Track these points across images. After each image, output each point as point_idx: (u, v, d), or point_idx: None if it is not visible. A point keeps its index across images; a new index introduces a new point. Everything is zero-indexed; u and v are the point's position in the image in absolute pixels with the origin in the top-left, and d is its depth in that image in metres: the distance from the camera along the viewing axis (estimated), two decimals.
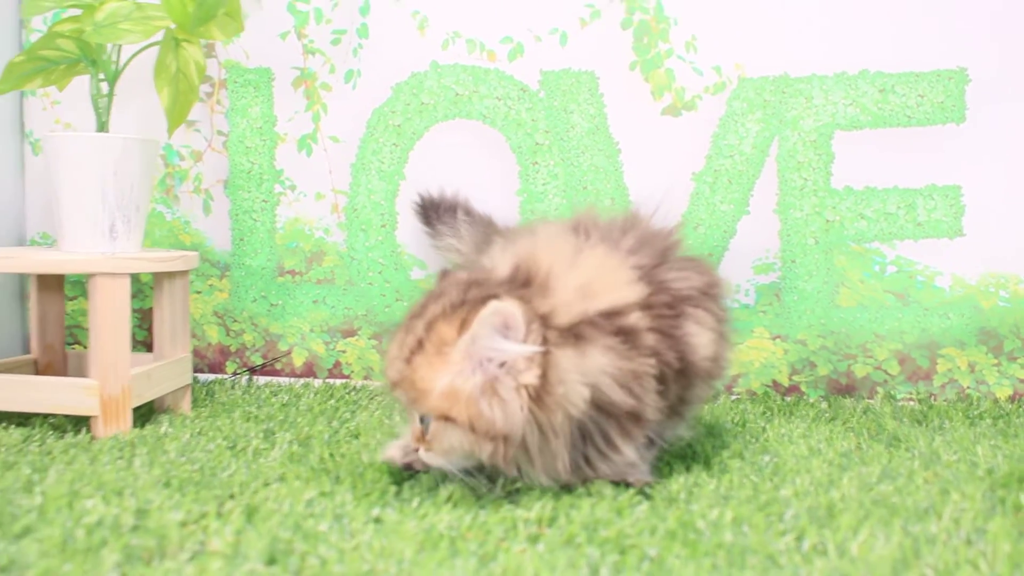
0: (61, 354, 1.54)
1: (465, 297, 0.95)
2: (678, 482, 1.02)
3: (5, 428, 1.29)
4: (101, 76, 1.40)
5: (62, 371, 1.54)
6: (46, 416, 1.37)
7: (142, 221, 1.40)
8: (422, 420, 0.95)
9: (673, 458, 1.12)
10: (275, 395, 1.54)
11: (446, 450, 0.94)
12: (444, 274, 1.05)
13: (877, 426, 1.29)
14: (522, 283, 0.97)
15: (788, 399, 1.49)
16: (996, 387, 1.47)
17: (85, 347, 1.68)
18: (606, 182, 1.55)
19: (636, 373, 0.94)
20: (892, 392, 1.49)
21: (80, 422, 1.35)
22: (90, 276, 1.29)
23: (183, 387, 1.46)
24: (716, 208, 1.53)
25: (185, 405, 1.47)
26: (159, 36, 1.36)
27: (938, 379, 1.49)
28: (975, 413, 1.38)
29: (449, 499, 0.96)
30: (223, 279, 1.66)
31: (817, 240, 1.51)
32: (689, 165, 1.54)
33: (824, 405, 1.44)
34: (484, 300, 0.92)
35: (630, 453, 0.98)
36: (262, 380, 1.65)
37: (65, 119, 1.66)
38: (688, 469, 1.08)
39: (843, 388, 1.51)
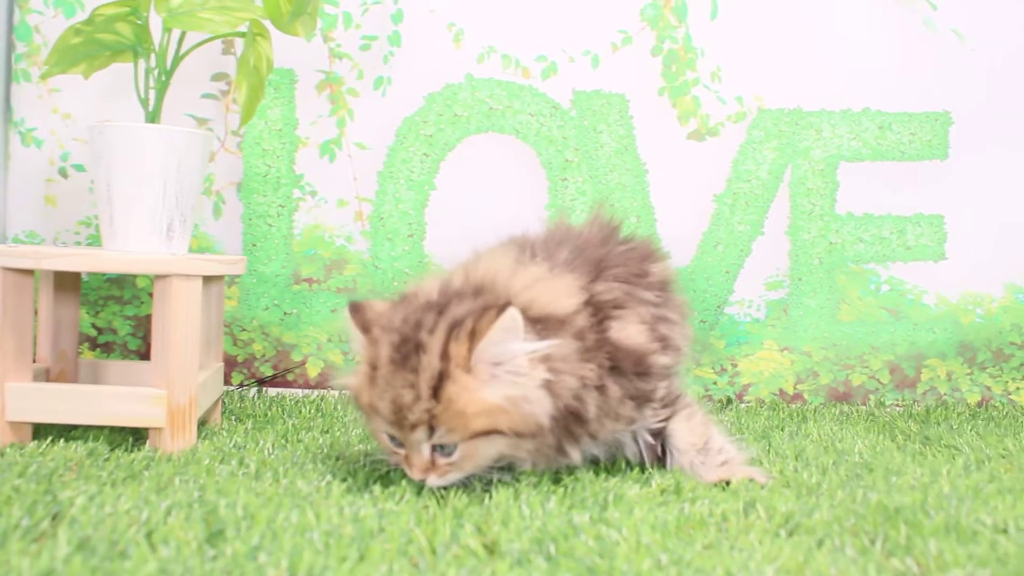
0: (74, 362, 1.42)
1: (453, 317, 0.98)
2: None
3: (53, 443, 1.19)
4: (152, 64, 1.32)
5: (75, 381, 1.42)
6: (87, 428, 1.28)
7: (192, 222, 1.33)
8: (442, 449, 0.97)
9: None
10: (297, 405, 1.50)
11: (479, 465, 0.99)
12: (356, 307, 1.06)
13: (895, 428, 1.44)
14: (478, 293, 1.02)
15: (793, 406, 1.62)
16: (968, 394, 1.66)
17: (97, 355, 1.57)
18: (632, 200, 1.63)
19: (581, 377, 1.01)
20: (882, 399, 1.65)
21: (131, 434, 1.27)
22: (160, 278, 1.22)
23: (218, 398, 1.40)
24: (734, 228, 1.64)
25: (217, 416, 1.40)
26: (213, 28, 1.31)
27: (921, 387, 1.66)
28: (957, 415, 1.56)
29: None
30: (232, 286, 1.59)
31: (821, 260, 1.65)
32: (711, 187, 1.64)
33: (835, 411, 1.59)
34: (480, 311, 0.96)
35: (576, 457, 1.05)
36: (272, 391, 1.60)
37: (64, 108, 1.54)
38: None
39: (840, 396, 1.66)
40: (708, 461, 1.12)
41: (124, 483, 1.02)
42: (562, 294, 1.04)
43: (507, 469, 1.04)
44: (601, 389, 1.04)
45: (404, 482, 1.01)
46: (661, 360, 1.11)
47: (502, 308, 0.95)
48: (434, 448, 0.97)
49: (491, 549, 0.83)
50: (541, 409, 0.96)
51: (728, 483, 1.07)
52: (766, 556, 0.82)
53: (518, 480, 1.04)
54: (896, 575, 0.79)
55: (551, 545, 0.83)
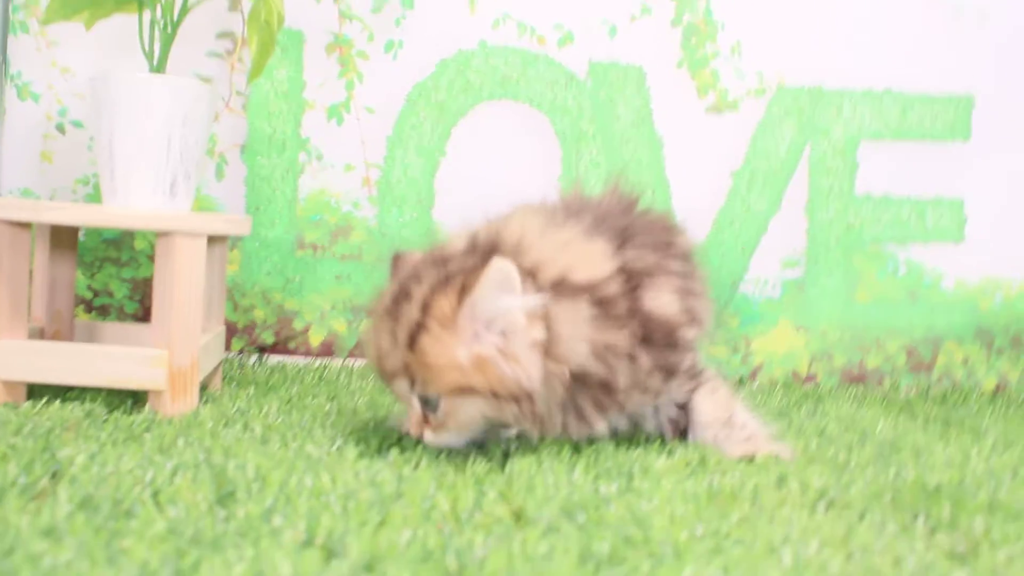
0: (69, 323, 1.37)
1: (448, 271, 0.95)
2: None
3: (48, 404, 1.14)
4: (158, 15, 1.27)
5: (69, 340, 1.37)
6: (83, 390, 1.23)
7: (196, 180, 1.28)
8: (427, 403, 0.94)
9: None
10: (299, 373, 1.45)
11: (462, 424, 0.95)
12: (397, 257, 1.04)
13: (914, 409, 1.41)
14: (485, 251, 0.98)
15: (807, 386, 1.58)
16: (984, 379, 1.63)
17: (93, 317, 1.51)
18: (648, 174, 1.58)
19: (608, 344, 0.97)
20: (897, 382, 1.62)
21: (129, 397, 1.22)
22: (164, 235, 1.17)
23: (218, 363, 1.35)
24: (751, 206, 1.60)
25: (217, 382, 1.35)
26: None
27: (936, 371, 1.63)
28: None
29: None
30: (233, 250, 1.54)
31: (839, 240, 1.61)
32: (728, 163, 1.60)
33: (853, 392, 1.55)
34: (472, 268, 0.93)
35: (601, 427, 1.02)
36: (273, 359, 1.55)
37: (63, 62, 1.49)
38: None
39: (855, 377, 1.62)
40: (732, 435, 1.08)
41: (125, 444, 0.97)
42: (596, 258, 1.00)
43: (519, 436, 1.01)
44: (632, 358, 1.00)
45: (420, 448, 0.97)
46: (688, 332, 1.07)
47: (487, 259, 0.91)
48: (424, 404, 0.94)
49: (518, 516, 0.79)
50: (525, 371, 0.91)
51: (753, 458, 1.04)
52: (805, 529, 0.79)
53: (536, 450, 1.00)
54: (945, 551, 0.75)
55: (580, 514, 0.79)
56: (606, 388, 0.98)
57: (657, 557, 0.70)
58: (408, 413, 0.98)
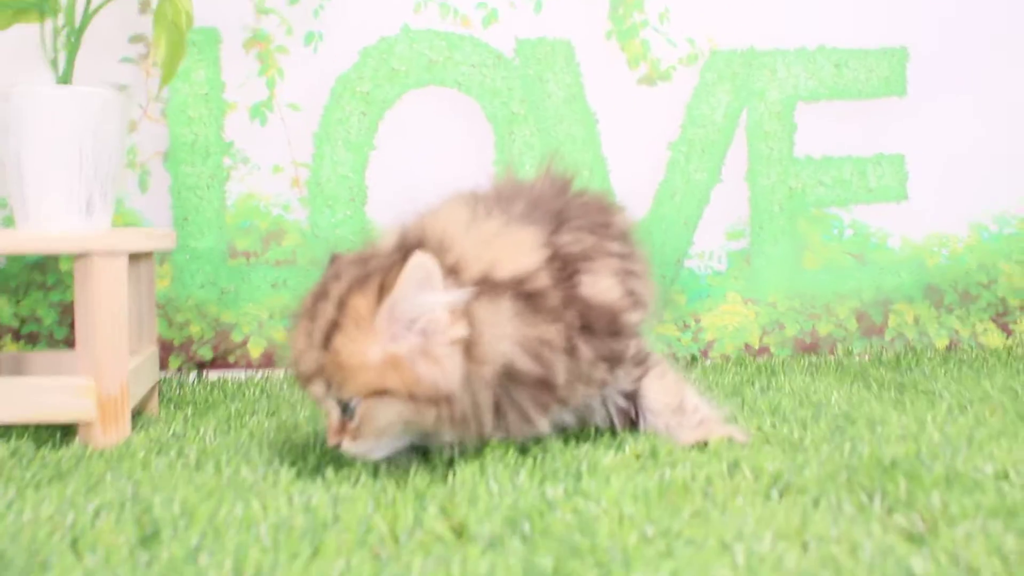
0: None
1: (367, 269, 0.91)
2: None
3: None
4: (61, 23, 1.21)
5: None
6: (9, 427, 1.17)
7: (114, 196, 1.23)
8: (345, 409, 0.90)
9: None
10: (240, 388, 1.41)
11: (381, 429, 0.90)
12: (334, 258, 1.00)
13: (867, 376, 1.39)
14: (413, 247, 0.93)
15: (761, 360, 1.56)
16: (936, 338, 1.62)
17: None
18: (584, 152, 1.55)
19: (541, 340, 0.94)
20: (850, 348, 1.60)
21: (59, 430, 1.16)
22: (80, 257, 1.11)
23: (153, 386, 1.30)
24: (691, 177, 1.57)
25: (153, 405, 1.30)
26: None
27: (888, 333, 1.62)
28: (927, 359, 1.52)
29: None
30: (163, 264, 1.48)
31: (782, 207, 1.59)
32: (665, 135, 1.57)
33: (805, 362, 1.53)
34: (390, 266, 0.89)
35: (544, 426, 0.97)
36: (213, 375, 1.50)
37: None
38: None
39: (808, 347, 1.60)
40: (684, 422, 1.05)
41: (49, 484, 0.92)
42: (523, 251, 0.95)
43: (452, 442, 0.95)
44: (571, 351, 0.95)
45: (360, 464, 0.93)
46: (632, 317, 1.03)
47: (408, 256, 0.87)
48: (341, 409, 0.90)
49: (459, 532, 0.75)
50: (443, 372, 0.87)
51: (706, 443, 1.01)
52: (760, 520, 0.76)
53: (481, 454, 0.96)
54: (903, 533, 0.73)
55: (525, 524, 0.75)
56: (545, 384, 0.94)
57: (604, 566, 0.67)
58: (327, 420, 0.92)
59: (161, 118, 1.48)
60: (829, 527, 0.74)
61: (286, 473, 0.91)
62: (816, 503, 0.81)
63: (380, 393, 0.87)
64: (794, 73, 1.58)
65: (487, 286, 0.91)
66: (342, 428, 0.90)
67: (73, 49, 1.21)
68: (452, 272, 0.90)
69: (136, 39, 1.48)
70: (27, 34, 1.27)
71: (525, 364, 0.92)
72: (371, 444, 0.91)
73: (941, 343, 1.62)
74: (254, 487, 0.88)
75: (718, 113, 1.57)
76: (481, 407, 0.90)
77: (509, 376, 0.92)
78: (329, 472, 0.90)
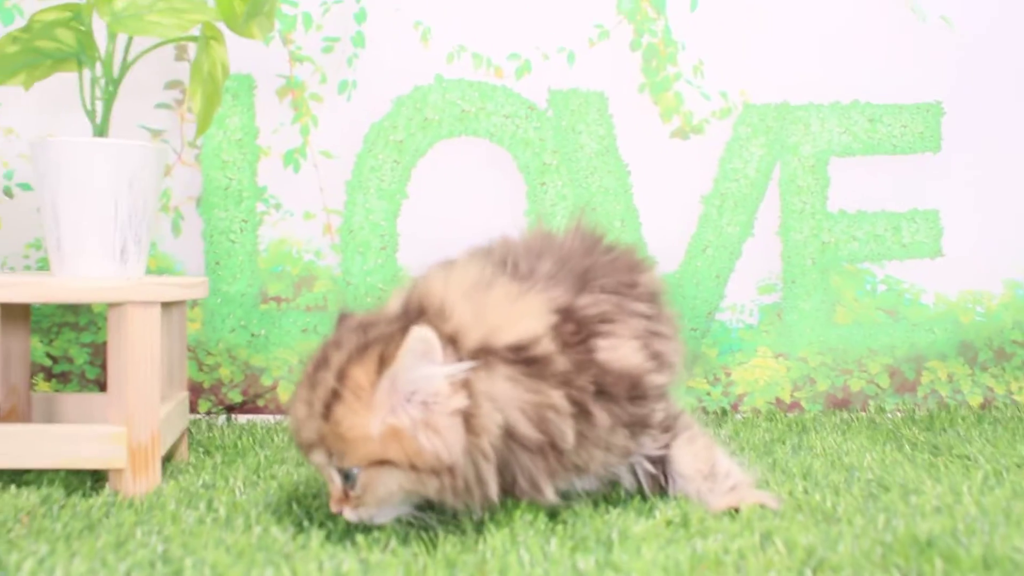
0: (26, 397, 1.32)
1: (367, 338, 0.90)
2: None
3: (4, 489, 1.09)
4: (99, 73, 1.22)
5: (27, 418, 1.32)
6: (41, 472, 1.18)
7: (149, 242, 1.24)
8: (347, 477, 0.89)
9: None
10: (269, 433, 1.41)
11: (382, 499, 0.89)
12: (342, 318, 0.99)
13: (900, 436, 1.38)
14: (415, 315, 0.93)
15: (791, 415, 1.54)
16: (970, 396, 1.60)
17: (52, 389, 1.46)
18: (616, 204, 1.55)
19: (545, 404, 0.91)
20: (882, 404, 1.58)
21: (89, 476, 1.17)
22: (114, 306, 1.12)
23: (183, 431, 1.30)
24: (723, 230, 1.56)
25: (183, 451, 1.30)
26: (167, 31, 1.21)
27: (921, 390, 1.60)
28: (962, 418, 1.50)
29: None
30: (194, 308, 1.49)
31: (814, 261, 1.58)
32: (697, 188, 1.57)
33: (835, 419, 1.52)
34: (390, 336, 0.89)
35: (550, 495, 0.95)
36: (242, 418, 1.50)
37: (5, 123, 1.44)
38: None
39: (839, 402, 1.59)
40: (716, 488, 1.03)
41: (80, 536, 0.92)
42: (528, 316, 0.93)
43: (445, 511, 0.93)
44: (584, 416, 0.93)
45: (390, 528, 0.92)
46: (657, 380, 1.01)
47: (408, 326, 0.86)
48: (343, 477, 0.89)
49: None
50: (445, 443, 0.86)
51: (738, 509, 1.00)
52: None
53: (510, 517, 0.96)
54: None
55: None
56: (552, 449, 0.92)
57: None
58: (329, 487, 0.92)
59: (195, 163, 1.49)
60: None
61: (316, 535, 0.90)
62: None
63: (381, 463, 0.87)
64: (828, 128, 1.58)
65: (485, 355, 0.89)
66: (344, 496, 0.90)
67: (110, 99, 1.23)
68: (451, 341, 0.89)
69: (172, 85, 1.50)
70: (67, 80, 1.29)
71: (526, 429, 0.90)
72: (373, 512, 0.90)
73: (975, 401, 1.60)
74: (283, 549, 0.87)
75: (751, 167, 1.56)
76: (484, 476, 0.88)
77: (513, 441, 0.90)
78: (359, 537, 0.90)
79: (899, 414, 1.56)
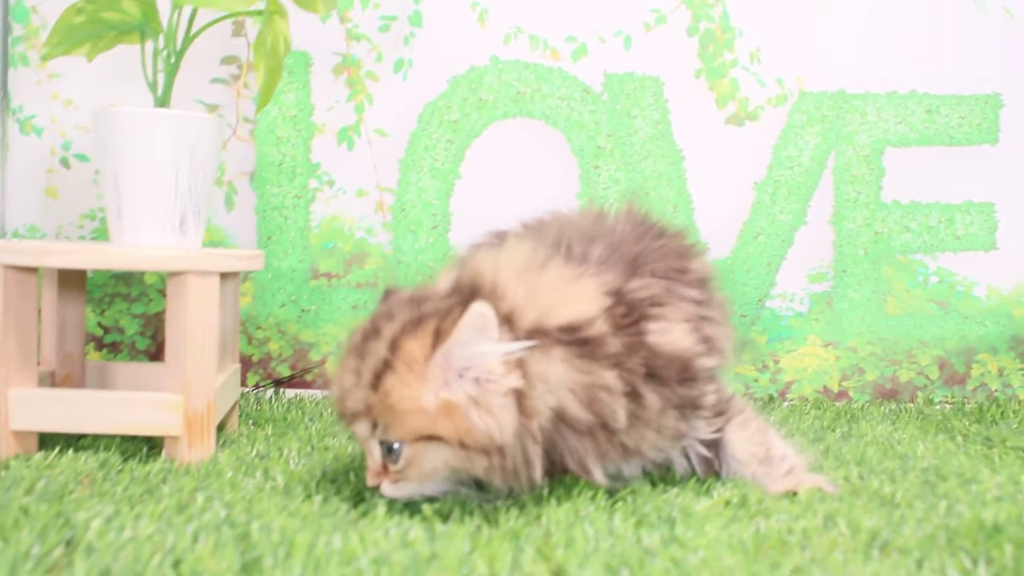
0: (80, 365, 1.33)
1: (422, 312, 0.90)
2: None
3: (61, 453, 1.10)
4: (161, 45, 1.23)
5: (81, 385, 1.33)
6: (96, 437, 1.19)
7: (206, 214, 1.24)
8: (389, 451, 0.89)
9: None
10: (318, 408, 1.41)
11: (425, 475, 0.89)
12: (388, 293, 1.00)
13: (951, 427, 1.37)
14: (468, 292, 0.92)
15: (839, 404, 1.53)
16: (1020, 390, 1.58)
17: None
18: (669, 189, 1.54)
19: (596, 385, 0.91)
20: (931, 396, 1.57)
21: (144, 443, 1.18)
22: (174, 274, 1.13)
23: (235, 403, 1.31)
24: (776, 218, 1.55)
25: (234, 422, 1.31)
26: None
27: (971, 383, 1.58)
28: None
29: None
30: (245, 282, 1.50)
31: (867, 251, 1.57)
32: (751, 175, 1.56)
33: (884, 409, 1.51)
34: (447, 311, 0.88)
35: (600, 477, 0.94)
36: (290, 392, 1.51)
37: (65, 95, 1.45)
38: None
39: (887, 393, 1.58)
40: (772, 472, 1.03)
41: (142, 500, 0.93)
42: (582, 298, 0.93)
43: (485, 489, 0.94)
44: (634, 397, 0.93)
45: (451, 501, 0.93)
46: (707, 363, 1.00)
47: (466, 302, 0.86)
48: (385, 451, 0.89)
49: (557, 575, 0.75)
50: (498, 423, 0.85)
51: (795, 493, 0.99)
52: None
53: (571, 494, 0.96)
54: None
55: (624, 572, 0.75)
56: (603, 430, 0.92)
57: None
58: (367, 460, 0.92)
59: (249, 138, 1.50)
60: None
61: (380, 504, 0.90)
62: (919, 565, 0.79)
63: (429, 438, 0.87)
64: (884, 117, 1.56)
65: (540, 335, 0.89)
66: (384, 470, 0.90)
67: (172, 71, 1.24)
68: (507, 320, 0.88)
69: (228, 60, 1.50)
70: (128, 52, 1.30)
71: (577, 411, 0.90)
72: (413, 488, 0.91)
73: None
74: (348, 518, 0.88)
75: (805, 155, 1.55)
76: (531, 459, 0.88)
77: (563, 423, 0.90)
78: (424, 506, 0.90)
79: (948, 406, 1.55)
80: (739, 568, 0.76)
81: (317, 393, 1.51)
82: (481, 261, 0.96)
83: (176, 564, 0.75)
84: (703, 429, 1.02)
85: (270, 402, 1.44)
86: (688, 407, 0.99)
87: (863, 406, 1.53)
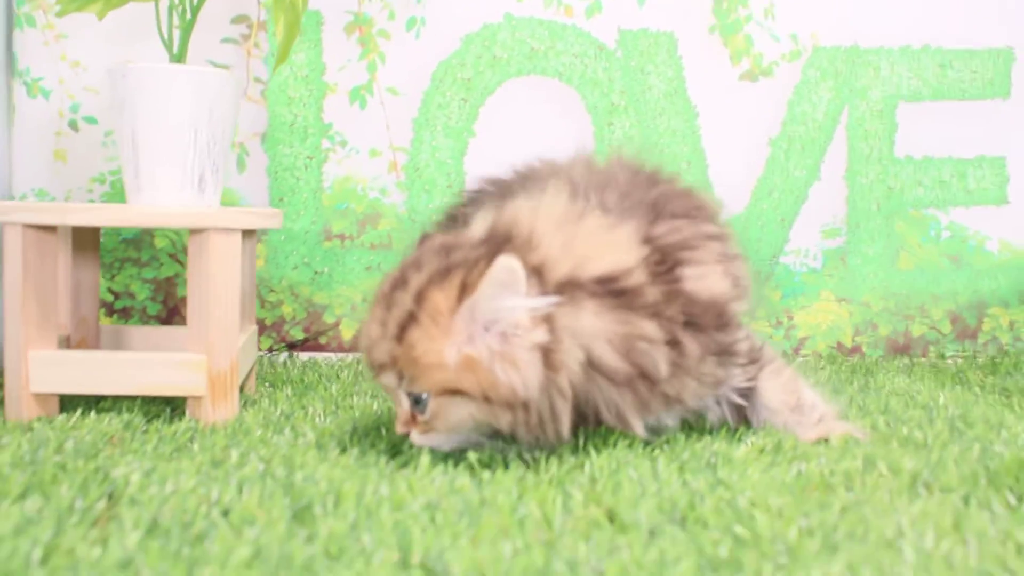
0: (95, 329, 1.32)
1: (449, 262, 0.89)
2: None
3: (83, 415, 1.09)
4: (177, 1, 1.21)
5: (96, 348, 1.32)
6: (116, 399, 1.18)
7: (224, 173, 1.23)
8: (417, 401, 0.88)
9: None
10: (334, 370, 1.41)
11: (452, 427, 0.89)
12: (423, 238, 0.99)
13: (967, 379, 1.38)
14: (501, 242, 0.91)
15: (853, 359, 1.54)
16: None
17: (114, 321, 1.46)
18: (683, 145, 1.53)
19: (636, 335, 0.90)
20: (942, 351, 1.58)
21: (165, 404, 1.17)
22: (196, 233, 1.12)
23: (253, 364, 1.30)
24: (790, 174, 1.55)
25: (252, 383, 1.30)
26: None
27: (982, 337, 1.59)
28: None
29: None
30: (258, 244, 1.49)
31: (880, 206, 1.57)
32: (765, 131, 1.55)
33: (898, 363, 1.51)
34: (474, 262, 0.87)
35: (639, 429, 0.94)
36: (304, 355, 1.50)
37: (73, 56, 1.43)
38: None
39: (900, 348, 1.59)
40: (803, 420, 1.03)
41: (175, 457, 0.93)
42: (619, 248, 0.92)
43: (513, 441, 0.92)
44: (674, 345, 0.92)
45: (491, 450, 0.92)
46: (738, 307, 1.01)
47: (493, 254, 0.85)
48: (412, 402, 0.88)
49: (611, 518, 0.75)
50: (523, 378, 0.84)
51: (827, 440, 1.00)
52: (915, 518, 0.74)
53: (611, 443, 0.96)
54: None
55: (676, 513, 0.75)
56: (645, 380, 0.91)
57: (772, 558, 0.66)
58: (396, 409, 0.92)
59: (261, 99, 1.48)
60: (987, 526, 0.73)
61: (424, 456, 0.90)
62: (966, 501, 0.79)
63: (454, 392, 0.86)
64: (897, 72, 1.56)
65: (571, 288, 0.88)
66: (412, 419, 0.90)
67: (188, 27, 1.22)
68: (536, 272, 0.87)
69: (238, 19, 1.48)
70: (137, 11, 1.28)
71: (614, 362, 0.89)
72: (441, 439, 0.90)
73: None
74: (390, 467, 0.87)
75: (819, 111, 1.55)
76: (558, 413, 0.87)
77: (600, 375, 0.89)
78: (470, 455, 0.89)
79: (960, 360, 1.56)
80: (789, 508, 0.77)
81: (331, 356, 1.50)
82: (518, 211, 0.94)
83: (225, 513, 0.74)
84: (739, 376, 1.02)
85: (285, 365, 1.44)
86: (724, 353, 0.99)
87: (876, 360, 1.54)
